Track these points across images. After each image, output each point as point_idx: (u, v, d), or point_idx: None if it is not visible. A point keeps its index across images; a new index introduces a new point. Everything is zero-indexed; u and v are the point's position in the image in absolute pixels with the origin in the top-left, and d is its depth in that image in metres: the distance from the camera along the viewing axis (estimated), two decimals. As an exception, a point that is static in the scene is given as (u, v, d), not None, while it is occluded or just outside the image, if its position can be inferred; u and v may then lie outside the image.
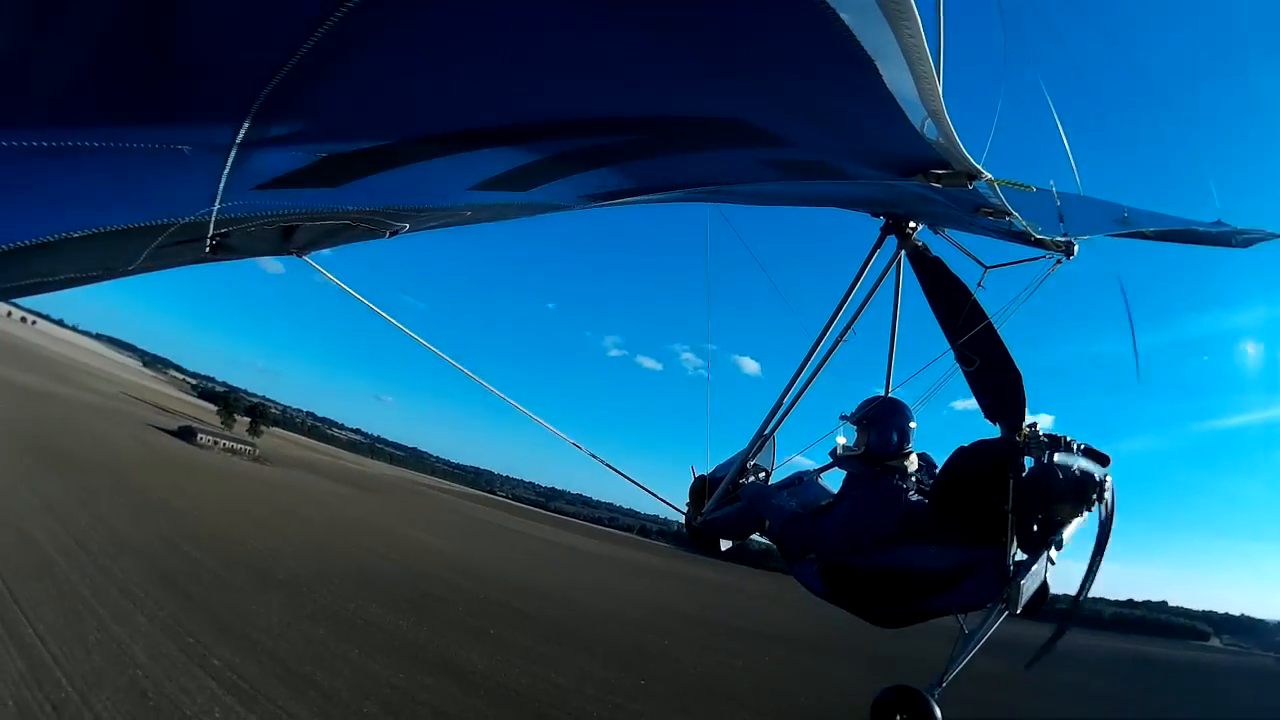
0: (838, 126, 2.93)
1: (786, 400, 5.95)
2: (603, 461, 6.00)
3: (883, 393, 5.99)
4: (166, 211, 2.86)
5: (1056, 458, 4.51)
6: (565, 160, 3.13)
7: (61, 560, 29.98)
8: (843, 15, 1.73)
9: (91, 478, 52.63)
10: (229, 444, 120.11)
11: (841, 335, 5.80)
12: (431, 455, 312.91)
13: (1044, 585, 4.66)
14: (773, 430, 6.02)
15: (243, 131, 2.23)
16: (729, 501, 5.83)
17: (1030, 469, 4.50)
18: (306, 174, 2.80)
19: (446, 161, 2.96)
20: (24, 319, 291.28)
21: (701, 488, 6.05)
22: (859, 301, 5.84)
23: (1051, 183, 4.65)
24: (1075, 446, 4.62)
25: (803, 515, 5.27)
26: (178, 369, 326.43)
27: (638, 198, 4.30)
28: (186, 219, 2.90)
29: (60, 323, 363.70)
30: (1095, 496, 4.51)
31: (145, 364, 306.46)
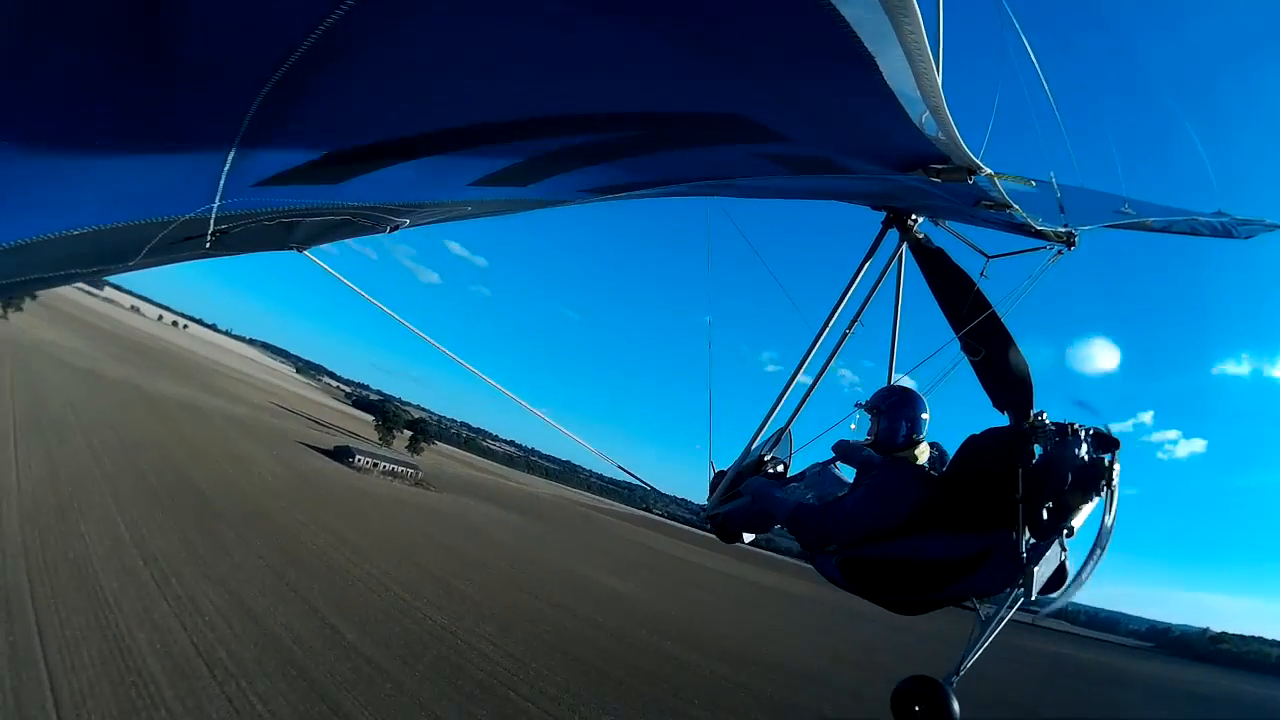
0: (838, 122, 2.91)
1: (798, 393, 6.00)
2: (629, 472, 6.67)
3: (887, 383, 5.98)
4: (167, 208, 2.88)
5: (1065, 445, 4.55)
6: (566, 156, 3.11)
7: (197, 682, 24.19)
8: (843, 11, 1.72)
9: (233, 527, 47.99)
10: (389, 466, 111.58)
11: (849, 328, 5.82)
12: (584, 469, 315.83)
13: (1061, 567, 4.73)
14: (788, 423, 6.05)
15: (243, 129, 2.24)
16: (734, 497, 5.80)
17: (1039, 456, 4.55)
18: (306, 171, 2.82)
19: (447, 158, 2.94)
20: (175, 322, 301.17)
21: (716, 480, 6.09)
22: (863, 294, 5.85)
23: (1051, 175, 4.60)
24: (1084, 433, 4.66)
25: (810, 506, 5.28)
26: (331, 376, 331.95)
27: (638, 192, 4.31)
28: (187, 215, 2.93)
29: (214, 327, 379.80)
30: (1105, 482, 4.54)
31: (298, 370, 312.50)
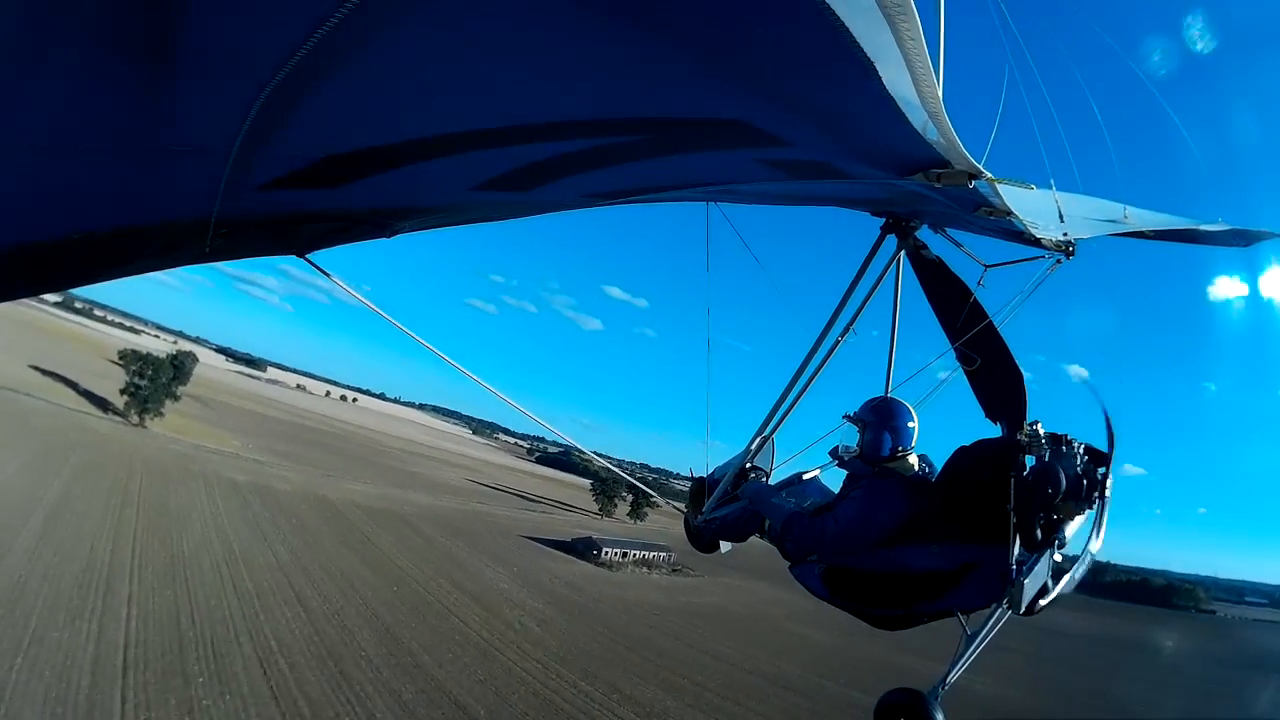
0: (838, 127, 2.91)
1: (786, 401, 5.93)
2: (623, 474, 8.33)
3: (883, 393, 5.97)
4: (166, 211, 2.89)
5: (1059, 457, 4.52)
6: (566, 161, 3.11)
7: None
8: (842, 16, 1.73)
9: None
10: (639, 554, 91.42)
11: (841, 335, 5.77)
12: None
13: (1046, 585, 4.66)
14: (772, 431, 5.98)
15: (243, 132, 2.24)
16: (729, 501, 5.77)
17: (1031, 468, 4.52)
18: (307, 174, 2.83)
19: (447, 162, 2.94)
20: (344, 396, 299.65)
21: (701, 489, 6.03)
22: (859, 301, 5.81)
23: (1051, 182, 4.67)
24: (1076, 445, 4.64)
25: (803, 515, 5.23)
26: (506, 432, 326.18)
27: (639, 197, 4.35)
28: (186, 219, 2.94)
29: (382, 396, 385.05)
30: (1097, 495, 4.54)
31: (474, 431, 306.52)
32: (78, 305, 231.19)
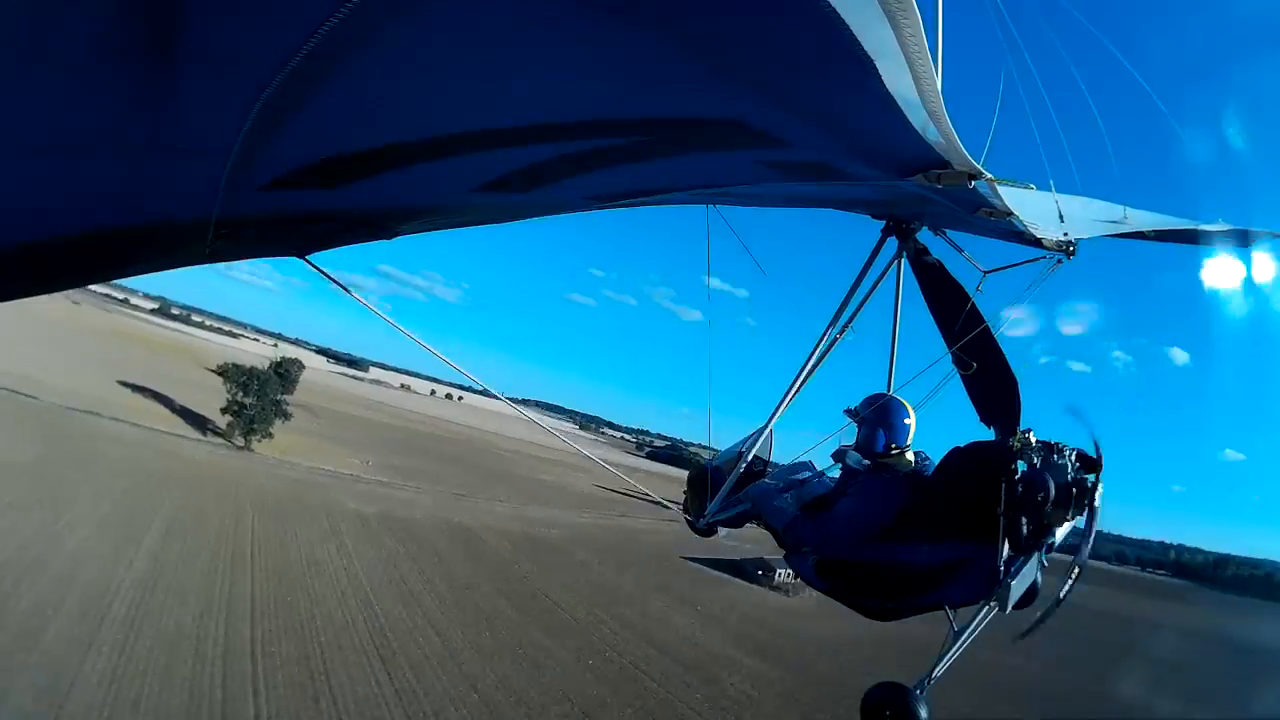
0: (837, 127, 2.92)
1: (789, 396, 6.01)
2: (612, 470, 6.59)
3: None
4: (167, 211, 2.92)
5: (1050, 465, 4.61)
6: (565, 163, 3.14)
7: None
8: (842, 14, 1.73)
9: None
10: None
11: (840, 333, 5.87)
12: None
13: (1034, 584, 4.79)
14: (769, 422, 6.04)
15: (243, 132, 2.25)
16: (733, 503, 5.85)
17: (1021, 475, 4.59)
18: (307, 175, 2.85)
19: (447, 164, 2.97)
20: (449, 395, 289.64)
21: (701, 478, 6.07)
22: (860, 302, 5.92)
23: (1051, 182, 4.72)
24: (1068, 452, 4.72)
25: (802, 519, 5.35)
26: (611, 426, 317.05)
27: (639, 200, 4.40)
28: (187, 219, 2.96)
29: (485, 393, 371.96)
30: (1087, 502, 4.61)
31: (580, 426, 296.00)
32: (174, 311, 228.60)
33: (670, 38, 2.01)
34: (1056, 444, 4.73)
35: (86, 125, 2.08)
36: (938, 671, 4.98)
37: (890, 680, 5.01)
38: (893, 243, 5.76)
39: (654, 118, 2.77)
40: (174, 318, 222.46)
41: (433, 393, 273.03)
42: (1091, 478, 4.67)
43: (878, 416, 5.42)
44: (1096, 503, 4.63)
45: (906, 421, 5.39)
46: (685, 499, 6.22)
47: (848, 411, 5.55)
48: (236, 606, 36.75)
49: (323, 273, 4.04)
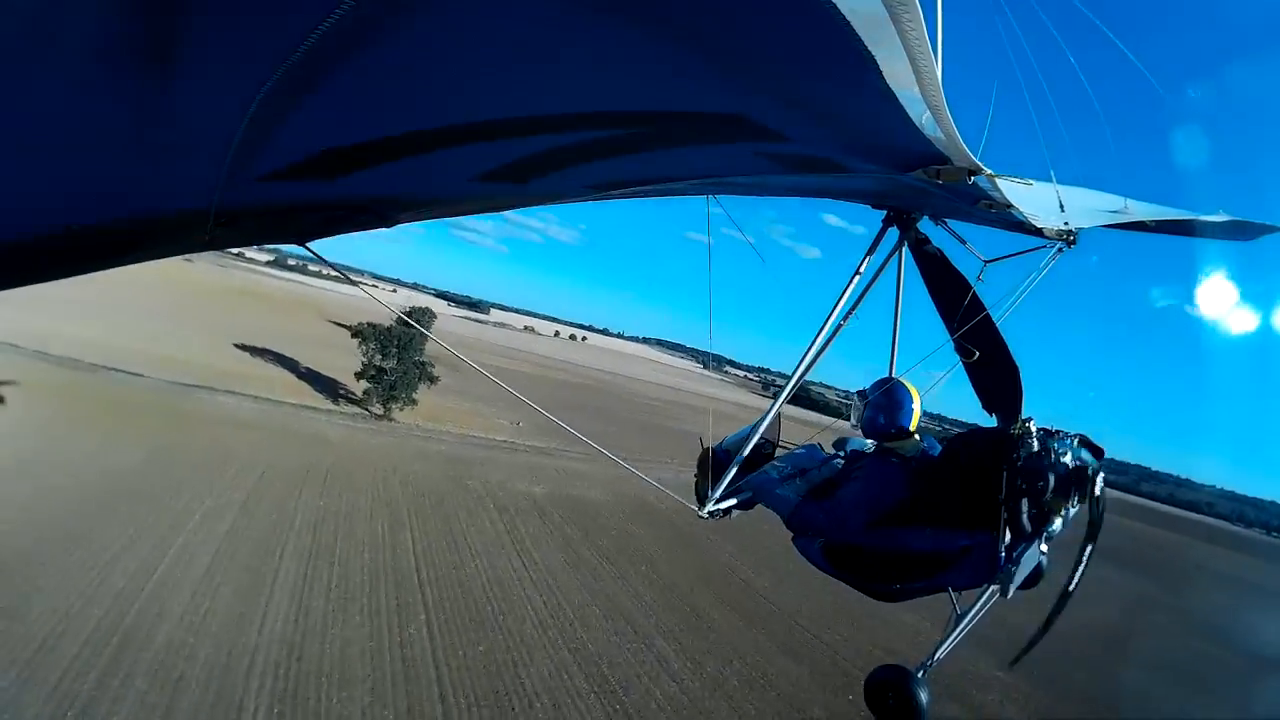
0: (838, 121, 2.92)
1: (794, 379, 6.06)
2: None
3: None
4: (167, 204, 2.93)
5: (1050, 450, 4.65)
6: (563, 154, 3.13)
7: None
8: (843, 9, 1.72)
9: None
10: None
11: (843, 322, 5.86)
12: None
13: (1038, 567, 4.92)
14: (778, 405, 6.06)
15: (243, 127, 2.25)
16: (736, 491, 5.84)
17: (1021, 464, 4.61)
18: (306, 166, 2.85)
19: (446, 154, 2.96)
20: (572, 336, 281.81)
21: (706, 461, 6.00)
22: (862, 290, 5.96)
23: (1051, 173, 4.76)
24: (1070, 439, 4.78)
25: (805, 505, 5.40)
26: (732, 364, 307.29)
27: (637, 189, 4.38)
28: (187, 211, 2.97)
29: (605, 332, 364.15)
30: (1087, 490, 4.68)
31: (704, 366, 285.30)
32: (290, 263, 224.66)
33: (670, 32, 1.99)
34: (1058, 431, 4.81)
35: (86, 121, 2.06)
36: (940, 654, 5.21)
37: (893, 663, 5.23)
38: (893, 232, 5.74)
39: (654, 111, 2.74)
40: (290, 269, 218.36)
41: (556, 334, 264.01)
42: (1093, 464, 4.77)
43: (882, 399, 5.45)
44: (1098, 490, 4.72)
45: (910, 405, 5.39)
46: (696, 481, 6.06)
47: (859, 393, 5.60)
48: (416, 679, 26.06)
49: (323, 260, 4.20)
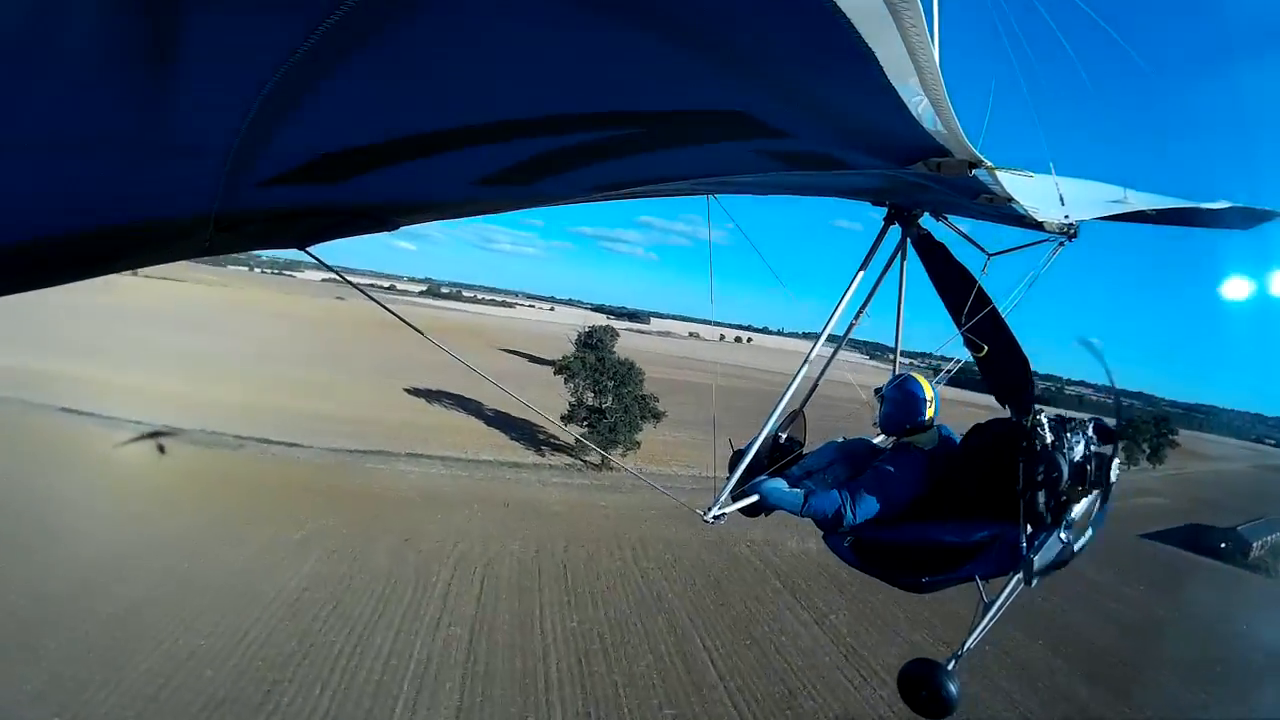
0: (838, 117, 2.89)
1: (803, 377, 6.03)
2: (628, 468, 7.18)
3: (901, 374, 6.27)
4: (166, 209, 2.87)
5: (1065, 439, 4.71)
6: (565, 155, 3.10)
7: None
8: (843, 5, 1.71)
9: None
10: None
11: (854, 320, 6.08)
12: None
13: (1067, 549, 4.93)
14: (802, 405, 6.28)
15: (243, 131, 2.23)
16: (744, 494, 5.81)
17: (1039, 450, 4.66)
18: (307, 171, 2.80)
19: (446, 158, 2.92)
20: (737, 338, 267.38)
21: (735, 465, 6.02)
22: (867, 288, 6.04)
23: (1051, 165, 4.75)
24: (1086, 427, 4.87)
25: (819, 497, 5.41)
26: (888, 349, 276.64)
27: (639, 189, 4.35)
28: (186, 216, 2.92)
29: (765, 330, 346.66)
30: (1103, 475, 4.76)
31: (870, 356, 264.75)
32: (444, 290, 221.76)
33: (670, 31, 1.97)
34: (1072, 419, 4.90)
35: (85, 124, 2.03)
36: (969, 644, 5.27)
37: (924, 657, 5.33)
38: (895, 230, 5.77)
39: (655, 111, 2.71)
40: (444, 296, 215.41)
41: (721, 338, 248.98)
42: (1109, 449, 4.87)
43: (893, 395, 5.57)
44: (1113, 478, 4.80)
45: (924, 400, 5.48)
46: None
47: (876, 391, 5.73)
48: None
49: (323, 264, 4.11)
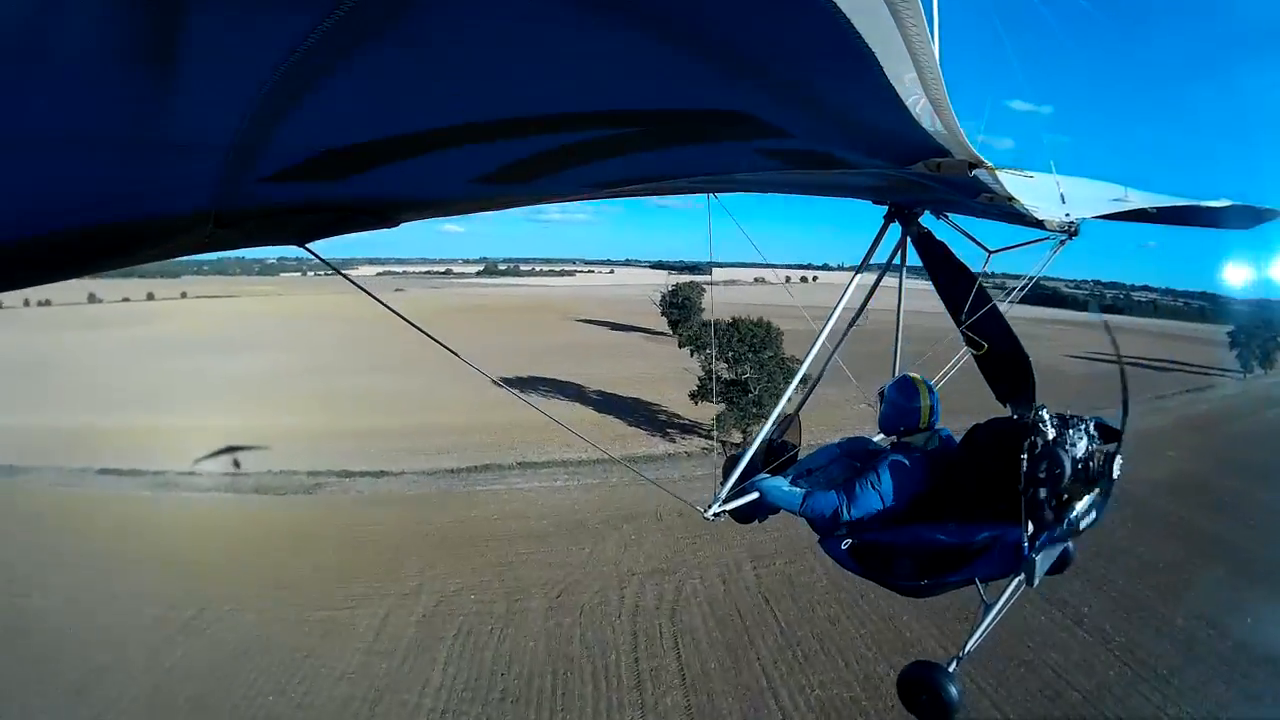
0: (838, 117, 2.86)
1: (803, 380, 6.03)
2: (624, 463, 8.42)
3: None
4: (165, 206, 2.86)
5: (1065, 440, 4.67)
6: (564, 154, 3.09)
7: None
8: (843, 5, 1.71)
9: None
10: None
11: (853, 321, 5.99)
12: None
13: (1065, 553, 5.06)
14: (797, 410, 6.23)
15: (243, 129, 2.23)
16: (743, 492, 5.80)
17: (1041, 449, 4.62)
18: (306, 168, 2.79)
19: (445, 155, 2.91)
20: (804, 278, 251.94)
21: (727, 466, 6.00)
22: (871, 289, 6.09)
23: (1052, 164, 4.79)
24: (1085, 425, 4.80)
25: (817, 496, 5.41)
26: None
27: (639, 187, 4.33)
28: (186, 212, 2.92)
29: (825, 267, 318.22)
30: (1106, 474, 4.71)
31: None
32: (501, 268, 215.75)
33: (670, 30, 1.95)
34: (1074, 417, 4.82)
35: (84, 121, 2.01)
36: (970, 646, 5.19)
37: (924, 659, 5.22)
38: (896, 229, 5.75)
39: (654, 110, 2.69)
40: (501, 274, 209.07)
41: (787, 279, 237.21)
42: (1111, 448, 4.79)
43: (891, 396, 5.58)
44: (1115, 475, 4.73)
45: (921, 403, 5.48)
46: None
47: (879, 392, 5.73)
48: None
49: (323, 260, 4.05)
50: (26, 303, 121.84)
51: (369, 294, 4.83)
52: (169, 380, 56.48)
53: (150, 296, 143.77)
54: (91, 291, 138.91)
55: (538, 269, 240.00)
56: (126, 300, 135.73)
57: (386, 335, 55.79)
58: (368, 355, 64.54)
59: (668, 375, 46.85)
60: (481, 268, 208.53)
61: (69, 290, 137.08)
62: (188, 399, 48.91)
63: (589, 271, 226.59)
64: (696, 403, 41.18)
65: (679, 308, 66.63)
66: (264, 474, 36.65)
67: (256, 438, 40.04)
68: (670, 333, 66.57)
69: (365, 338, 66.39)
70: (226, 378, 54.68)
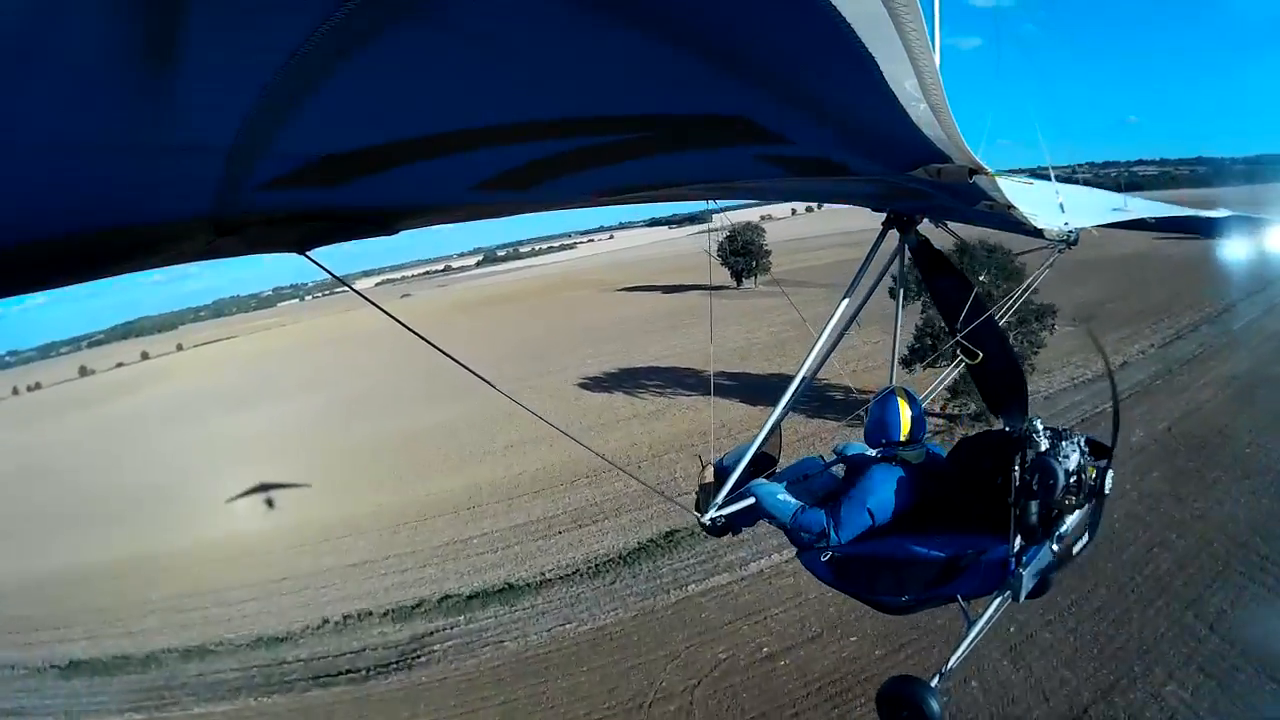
0: (838, 123, 2.87)
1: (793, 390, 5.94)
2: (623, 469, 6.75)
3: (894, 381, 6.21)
4: (166, 211, 2.85)
5: (1058, 451, 4.58)
6: (563, 160, 3.08)
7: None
8: (843, 10, 1.71)
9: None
10: None
11: (845, 328, 5.86)
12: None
13: (1049, 569, 4.82)
14: (778, 417, 6.00)
15: (243, 132, 2.22)
16: (738, 497, 5.75)
17: (1031, 464, 4.54)
18: (306, 174, 2.78)
19: (445, 162, 2.90)
20: (809, 209, 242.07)
21: (712, 477, 6.00)
22: (866, 295, 5.92)
23: (1051, 173, 4.82)
24: (1077, 440, 4.71)
25: (806, 512, 5.32)
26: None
27: (638, 194, 4.34)
28: (186, 218, 2.91)
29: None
30: (1097, 489, 4.67)
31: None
32: (499, 255, 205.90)
33: (670, 34, 1.95)
34: (1065, 430, 4.72)
35: (83, 126, 2.01)
36: (953, 663, 4.99)
37: (906, 674, 5.10)
38: (895, 236, 5.72)
39: (654, 115, 2.68)
40: (501, 260, 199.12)
41: (793, 211, 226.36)
42: (1102, 463, 4.75)
43: (876, 408, 5.48)
44: (1107, 489, 4.72)
45: (905, 416, 5.35)
46: (697, 498, 6.05)
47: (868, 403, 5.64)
48: None
49: (324, 268, 4.05)
50: (15, 390, 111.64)
51: (369, 300, 4.86)
52: (159, 469, 43.03)
53: (144, 356, 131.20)
54: (82, 364, 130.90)
55: (536, 248, 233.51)
56: (120, 365, 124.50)
57: (410, 349, 42.86)
58: (403, 378, 52.05)
59: (781, 337, 38.50)
60: (480, 258, 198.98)
61: (60, 367, 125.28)
62: (179, 495, 36.37)
63: (589, 241, 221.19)
64: (910, 369, 28.68)
65: (742, 254, 59.56)
66: (286, 635, 22.31)
67: (268, 547, 27.00)
68: (735, 285, 60.09)
69: (389, 359, 54.89)
70: (237, 446, 41.81)
